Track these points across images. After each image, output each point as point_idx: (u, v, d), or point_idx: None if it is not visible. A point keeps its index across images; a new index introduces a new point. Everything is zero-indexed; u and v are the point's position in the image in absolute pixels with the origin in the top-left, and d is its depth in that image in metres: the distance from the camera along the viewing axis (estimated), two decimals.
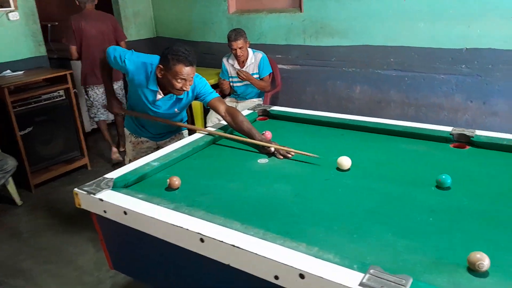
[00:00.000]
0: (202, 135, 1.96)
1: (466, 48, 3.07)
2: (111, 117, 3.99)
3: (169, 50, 1.84)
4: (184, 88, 1.89)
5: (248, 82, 3.41)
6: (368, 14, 3.37)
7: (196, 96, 2.06)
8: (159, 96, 2.02)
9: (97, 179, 1.50)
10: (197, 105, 3.75)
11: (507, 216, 1.24)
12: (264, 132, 1.95)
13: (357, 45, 3.49)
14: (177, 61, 1.82)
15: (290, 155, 1.75)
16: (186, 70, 1.84)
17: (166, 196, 1.43)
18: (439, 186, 1.42)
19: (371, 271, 0.96)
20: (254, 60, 3.43)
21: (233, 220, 1.22)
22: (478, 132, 1.79)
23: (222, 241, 1.12)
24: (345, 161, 1.60)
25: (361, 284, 0.93)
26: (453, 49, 3.12)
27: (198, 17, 4.40)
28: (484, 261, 0.99)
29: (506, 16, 2.84)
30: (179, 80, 1.85)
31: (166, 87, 1.96)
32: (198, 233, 1.16)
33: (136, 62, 1.97)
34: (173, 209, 1.29)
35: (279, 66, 3.89)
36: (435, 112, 3.34)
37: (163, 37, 4.83)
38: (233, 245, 1.10)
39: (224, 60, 3.51)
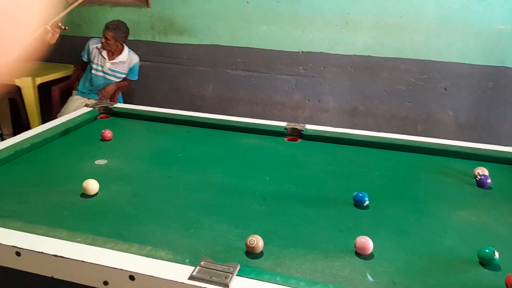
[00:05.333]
0: (26, 136, 1.73)
1: (302, 51, 3.40)
2: None
3: None
4: None
5: (109, 77, 3.23)
6: (212, 14, 3.46)
7: None
8: None
9: None
10: (31, 97, 3.29)
11: (321, 197, 1.42)
12: (103, 130, 1.83)
13: (205, 44, 3.55)
14: None
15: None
16: None
17: None
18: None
19: (202, 263, 0.98)
20: (126, 60, 3.28)
21: (59, 228, 1.11)
22: (308, 126, 1.99)
23: (42, 252, 1.00)
24: (90, 185, 1.36)
25: (191, 277, 0.94)
26: (291, 51, 3.42)
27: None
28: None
29: (332, 23, 3.24)
30: None
31: None
32: (13, 246, 1.02)
33: None
34: None
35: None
36: (279, 110, 3.62)
37: None
38: (56, 255, 0.99)
39: (91, 42, 3.27)
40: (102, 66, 3.23)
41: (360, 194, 1.36)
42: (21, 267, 1.03)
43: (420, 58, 3.13)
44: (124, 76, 3.33)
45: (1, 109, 3.62)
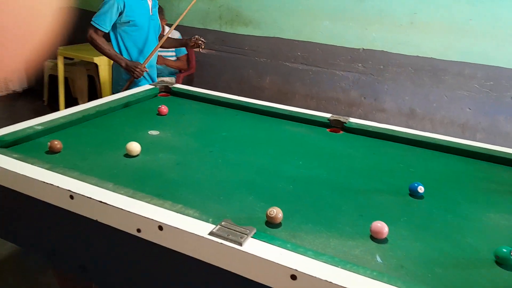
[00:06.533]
0: (97, 103, 1.96)
1: (363, 48, 3.38)
2: None
3: None
4: None
5: (161, 53, 3.51)
6: (278, 8, 3.55)
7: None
8: (149, 1, 2.51)
9: None
10: (105, 74, 3.65)
11: (350, 185, 1.46)
12: (160, 106, 2.01)
13: (268, 36, 3.66)
14: None
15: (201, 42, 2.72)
16: None
17: (45, 159, 1.43)
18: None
19: (223, 223, 1.08)
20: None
21: (107, 181, 1.27)
22: (351, 120, 2.01)
23: (90, 198, 1.16)
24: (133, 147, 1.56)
25: (210, 233, 1.05)
26: (352, 48, 3.42)
27: None
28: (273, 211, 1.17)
29: (396, 23, 3.19)
30: None
31: None
32: (68, 190, 1.19)
33: None
34: (47, 169, 1.30)
35: (195, 49, 3.94)
36: (334, 106, 3.64)
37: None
38: (101, 201, 1.15)
39: None
40: None
41: (416, 184, 1.41)
42: (72, 209, 1.20)
43: (488, 64, 2.98)
44: (173, 54, 3.59)
45: (81, 83, 4.03)
